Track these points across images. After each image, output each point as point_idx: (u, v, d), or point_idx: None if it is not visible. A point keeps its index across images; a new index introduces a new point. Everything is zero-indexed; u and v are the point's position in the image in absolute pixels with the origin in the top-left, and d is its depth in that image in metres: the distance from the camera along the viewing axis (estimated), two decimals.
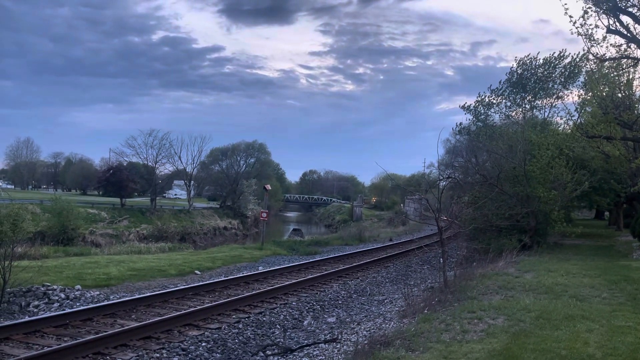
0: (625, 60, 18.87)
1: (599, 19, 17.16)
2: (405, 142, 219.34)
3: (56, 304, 12.85)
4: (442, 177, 26.99)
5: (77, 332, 10.40)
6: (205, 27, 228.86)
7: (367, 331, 11.18)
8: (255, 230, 61.79)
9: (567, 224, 23.67)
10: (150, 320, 10.97)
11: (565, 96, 34.32)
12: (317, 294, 15.91)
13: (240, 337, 10.97)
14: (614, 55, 18.41)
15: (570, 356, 6.92)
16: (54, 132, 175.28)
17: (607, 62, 19.51)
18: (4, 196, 38.00)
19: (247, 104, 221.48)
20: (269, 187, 36.24)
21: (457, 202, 21.92)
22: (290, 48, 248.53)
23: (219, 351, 10.04)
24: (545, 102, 35.19)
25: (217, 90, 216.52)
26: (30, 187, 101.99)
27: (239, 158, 73.34)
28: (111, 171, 55.45)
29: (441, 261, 14.40)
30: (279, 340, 10.88)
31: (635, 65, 19.45)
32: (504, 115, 35.59)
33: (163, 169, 62.63)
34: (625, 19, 17.27)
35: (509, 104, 35.20)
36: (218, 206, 67.11)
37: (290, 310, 13.60)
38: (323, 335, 11.51)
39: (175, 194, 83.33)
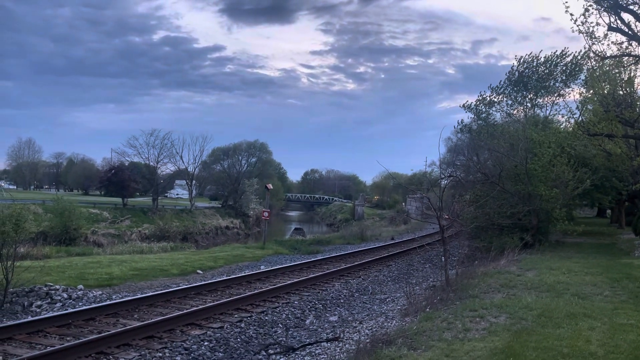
0: (626, 57, 18.84)
1: (600, 16, 17.16)
2: (406, 140, 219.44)
3: (59, 304, 12.88)
4: (443, 176, 26.98)
5: (79, 332, 10.42)
6: (206, 27, 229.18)
7: (369, 330, 11.19)
8: (257, 230, 61.80)
9: (569, 222, 23.65)
10: (153, 320, 10.99)
11: (567, 94, 34.34)
12: (319, 292, 15.93)
13: (243, 336, 10.99)
14: (615, 53, 18.39)
15: (572, 354, 6.92)
16: (56, 132, 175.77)
17: (608, 60, 19.49)
18: (6, 196, 38.11)
19: (248, 104, 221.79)
20: (270, 186, 36.23)
21: (458, 201, 21.93)
22: (291, 47, 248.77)
23: (221, 350, 10.06)
24: (546, 100, 35.19)
25: (218, 89, 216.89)
26: (32, 187, 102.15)
27: (240, 157, 73.40)
28: (113, 171, 55.51)
29: (443, 260, 14.40)
30: (281, 339, 10.90)
31: (636, 63, 19.42)
32: (505, 114, 35.60)
33: (165, 169, 62.78)
34: (626, 16, 17.25)
35: (510, 102, 35.20)
36: (220, 206, 67.15)
37: (293, 309, 13.62)
38: (325, 334, 11.52)
39: (177, 194, 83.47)
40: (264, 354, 10.03)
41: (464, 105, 35.86)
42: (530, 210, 22.19)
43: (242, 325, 11.72)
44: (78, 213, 38.14)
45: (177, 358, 9.37)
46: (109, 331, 10.14)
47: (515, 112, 35.59)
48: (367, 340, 9.15)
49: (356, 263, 22.08)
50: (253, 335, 11.21)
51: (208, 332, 10.88)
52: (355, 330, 11.47)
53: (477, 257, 20.10)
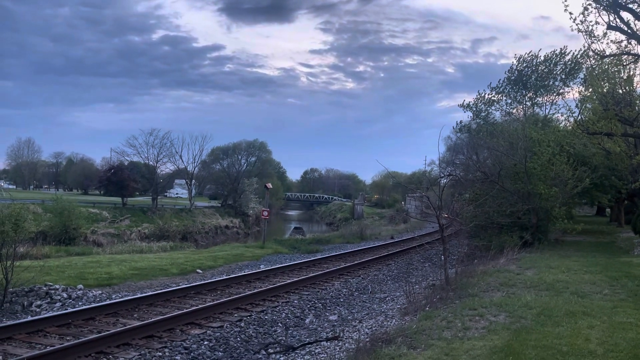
0: (625, 56, 18.87)
1: (599, 15, 17.20)
2: (406, 139, 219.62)
3: (58, 304, 12.88)
4: (443, 175, 26.98)
5: (79, 332, 10.42)
6: (205, 26, 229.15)
7: (368, 329, 11.20)
8: (256, 229, 61.80)
9: (568, 220, 23.68)
10: (153, 319, 10.99)
11: (566, 93, 34.34)
12: (318, 292, 15.93)
13: (242, 336, 10.99)
14: (614, 52, 18.43)
15: (571, 352, 6.92)
16: (55, 132, 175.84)
17: (607, 59, 19.51)
18: (6, 196, 38.05)
19: (247, 103, 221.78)
20: (270, 185, 36.24)
21: (458, 200, 21.94)
22: (290, 46, 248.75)
23: (221, 350, 10.06)
24: (545, 99, 35.20)
25: (217, 89, 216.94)
26: (31, 187, 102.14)
27: (240, 157, 73.38)
28: (112, 171, 55.45)
29: (442, 258, 14.42)
30: (281, 338, 10.90)
31: (635, 62, 19.45)
32: (504, 113, 35.62)
33: (164, 168, 62.71)
34: (625, 15, 17.27)
35: (509, 101, 35.22)
36: (219, 205, 67.14)
37: (292, 309, 13.62)
38: (325, 333, 11.53)
39: (177, 193, 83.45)
40: (264, 353, 10.03)
41: (462, 105, 35.89)
42: (529, 208, 22.21)
43: (242, 324, 11.73)
44: (77, 213, 38.09)
45: (176, 357, 9.37)
46: (108, 331, 10.14)
47: (514, 111, 35.63)
48: (367, 339, 9.15)
49: (356, 262, 22.09)
50: (253, 334, 11.22)
51: (208, 332, 10.89)
52: (354, 330, 11.48)
53: (476, 255, 20.12)
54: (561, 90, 34.42)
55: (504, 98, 35.04)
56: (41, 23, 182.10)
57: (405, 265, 23.06)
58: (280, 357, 9.84)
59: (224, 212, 63.58)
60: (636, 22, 17.23)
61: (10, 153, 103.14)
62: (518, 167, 23.06)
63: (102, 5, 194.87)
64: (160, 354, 9.40)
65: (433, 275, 19.20)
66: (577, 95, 31.29)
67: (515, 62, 34.43)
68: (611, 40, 18.15)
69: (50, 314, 11.55)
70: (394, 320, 11.38)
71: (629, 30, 17.34)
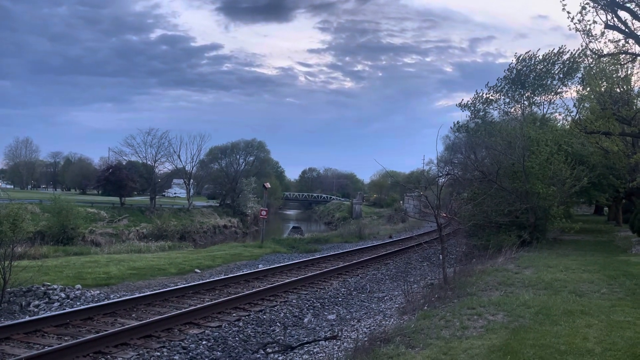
0: (623, 55, 18.88)
1: (597, 14, 17.18)
2: (404, 139, 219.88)
3: (56, 304, 12.87)
4: (441, 174, 27.01)
5: (77, 332, 10.41)
6: (203, 25, 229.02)
7: (367, 328, 11.21)
8: (255, 229, 61.78)
9: (566, 219, 23.72)
10: (151, 319, 10.98)
11: (564, 92, 34.38)
12: (317, 291, 15.94)
13: (241, 335, 10.99)
14: (612, 51, 18.43)
15: (569, 351, 6.93)
16: (53, 131, 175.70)
17: (605, 58, 19.53)
18: (3, 196, 37.92)
19: (245, 102, 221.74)
20: (268, 185, 36.23)
21: (456, 199, 21.99)
22: (288, 45, 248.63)
23: (219, 349, 10.06)
24: (543, 98, 35.22)
25: (215, 88, 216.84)
26: (29, 186, 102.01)
27: (238, 156, 73.36)
28: (110, 170, 55.41)
29: (440, 258, 14.43)
30: (279, 337, 10.90)
31: (633, 61, 19.48)
32: (502, 112, 35.66)
33: (162, 168, 62.70)
34: (623, 14, 17.28)
35: (507, 100, 35.24)
36: (218, 205, 67.11)
37: (291, 308, 13.62)
38: (323, 333, 11.53)
39: (175, 193, 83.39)
40: (262, 352, 10.03)
41: (460, 104, 35.91)
42: (527, 208, 22.23)
43: (240, 324, 11.72)
44: (75, 212, 38.05)
45: (175, 357, 9.37)
46: (106, 331, 10.13)
47: (512, 110, 35.66)
48: (365, 339, 9.16)
49: (354, 261, 22.10)
50: (251, 334, 11.21)
51: (206, 331, 10.88)
52: (353, 329, 11.48)
53: (474, 255, 20.13)
54: (559, 90, 34.47)
55: (502, 97, 35.08)
56: (39, 22, 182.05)
57: (404, 264, 23.08)
58: (278, 356, 9.84)
59: (222, 211, 63.55)
60: (634, 21, 17.24)
61: (8, 153, 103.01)
62: (516, 166, 23.08)
63: (99, 4, 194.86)
64: (158, 353, 9.39)
65: (431, 274, 19.23)
66: (575, 94, 31.40)
67: (514, 61, 34.48)
68: (609, 40, 18.17)
69: (49, 314, 11.53)
70: (393, 319, 11.38)
71: (626, 30, 17.35)
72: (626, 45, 18.06)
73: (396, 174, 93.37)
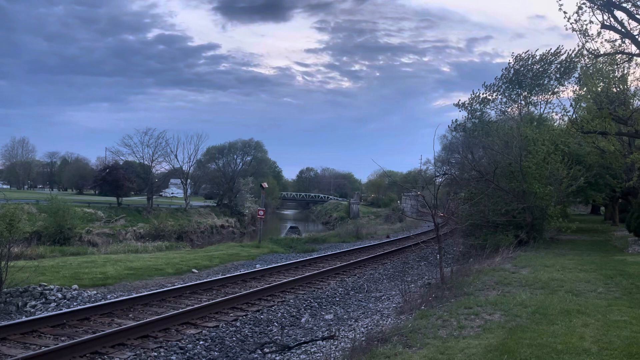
0: (619, 55, 18.93)
1: (594, 14, 17.23)
2: (402, 138, 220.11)
3: (53, 304, 12.83)
4: (438, 174, 27.06)
5: (74, 332, 10.38)
6: (200, 25, 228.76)
7: (364, 328, 11.21)
8: (252, 228, 61.76)
9: (563, 219, 23.77)
10: (148, 319, 10.95)
11: (561, 92, 34.50)
12: (314, 291, 15.93)
13: (238, 335, 10.98)
14: (608, 51, 18.47)
15: (566, 351, 6.95)
16: (49, 131, 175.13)
17: (601, 58, 19.58)
18: (0, 196, 37.86)
19: (243, 102, 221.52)
20: (265, 185, 36.19)
21: (453, 199, 22.01)
22: (286, 45, 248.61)
23: (216, 349, 10.05)
24: (540, 98, 35.34)
25: (212, 88, 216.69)
26: (26, 187, 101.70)
27: (235, 156, 73.36)
28: (107, 170, 55.31)
29: (438, 257, 14.45)
30: (276, 337, 10.89)
31: (629, 61, 19.53)
32: (499, 111, 35.75)
33: (159, 168, 62.68)
34: (619, 14, 17.33)
35: (504, 100, 35.34)
36: (215, 204, 67.05)
37: (288, 308, 13.61)
38: (320, 332, 11.53)
39: (172, 193, 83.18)
40: (260, 352, 10.03)
41: (457, 104, 35.98)
42: (524, 207, 22.28)
43: (238, 324, 11.71)
44: (72, 212, 38.00)
45: (172, 357, 9.35)
46: (103, 331, 10.10)
47: (509, 109, 35.76)
48: (363, 338, 9.16)
49: (352, 261, 22.10)
50: (248, 334, 11.20)
51: (203, 331, 10.87)
52: (350, 329, 11.48)
53: (471, 254, 20.17)
54: (556, 89, 34.61)
55: (499, 97, 35.18)
56: (35, 22, 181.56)
57: (401, 264, 23.09)
58: (276, 356, 9.84)
59: (220, 211, 63.50)
60: (630, 21, 17.29)
61: (4, 153, 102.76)
62: (513, 166, 23.14)
63: (96, 4, 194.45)
64: (155, 354, 9.37)
65: (429, 274, 19.24)
66: (571, 94, 31.48)
67: (511, 60, 34.58)
68: (605, 40, 18.20)
69: (45, 314, 11.50)
70: (390, 319, 11.39)
71: (622, 30, 17.40)
72: (622, 45, 18.11)
73: (394, 174, 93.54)
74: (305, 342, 10.48)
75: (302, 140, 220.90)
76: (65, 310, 11.68)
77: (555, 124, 34.08)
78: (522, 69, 34.22)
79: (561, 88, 34.50)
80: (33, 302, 12.84)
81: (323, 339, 10.66)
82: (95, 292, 14.30)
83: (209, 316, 12.03)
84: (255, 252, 25.96)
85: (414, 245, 24.53)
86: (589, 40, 17.97)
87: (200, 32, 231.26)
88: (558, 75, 33.96)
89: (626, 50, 18.38)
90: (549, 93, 34.85)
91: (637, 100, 23.70)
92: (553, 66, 33.93)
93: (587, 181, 25.84)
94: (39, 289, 13.51)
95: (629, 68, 21.16)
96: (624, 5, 17.11)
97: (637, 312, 9.13)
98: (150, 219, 48.24)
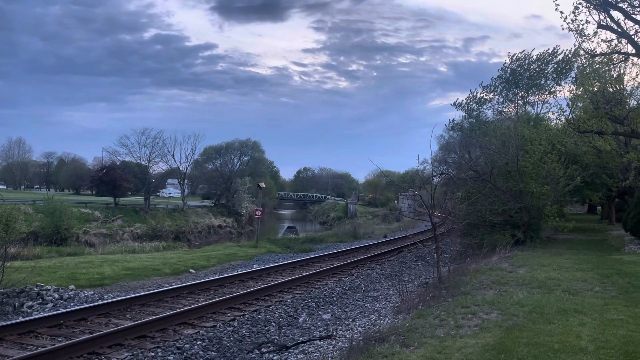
0: (616, 55, 18.99)
1: (590, 14, 17.29)
2: (399, 138, 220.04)
3: (50, 304, 12.80)
4: (435, 174, 27.09)
5: (71, 332, 10.36)
6: (197, 25, 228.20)
7: (361, 327, 11.22)
8: (249, 228, 61.73)
9: (560, 218, 23.85)
10: (145, 320, 10.94)
11: (558, 92, 34.56)
12: (312, 291, 15.93)
13: (236, 335, 10.97)
14: (604, 51, 18.53)
15: (563, 349, 6.97)
16: (46, 131, 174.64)
17: (598, 57, 19.63)
18: None
19: (240, 102, 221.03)
20: (263, 185, 36.18)
21: (450, 198, 22.02)
22: (283, 45, 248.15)
23: (214, 349, 10.04)
24: (537, 97, 35.39)
25: (210, 88, 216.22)
26: (22, 187, 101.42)
27: (232, 156, 73.43)
28: (104, 170, 55.16)
29: (435, 257, 14.47)
30: (274, 337, 10.90)
31: (625, 60, 19.59)
32: (496, 111, 35.81)
33: (156, 168, 62.54)
34: (615, 14, 17.39)
35: (501, 99, 35.39)
36: (212, 205, 66.97)
37: (285, 308, 13.62)
38: (318, 332, 11.54)
39: (169, 193, 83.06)
40: (257, 352, 10.03)
41: (455, 104, 36.03)
42: (521, 207, 22.33)
43: (235, 324, 11.71)
44: (69, 213, 37.90)
45: (169, 357, 9.34)
46: (100, 331, 10.09)
47: (506, 109, 35.81)
48: (360, 338, 9.17)
49: (349, 261, 22.12)
50: (246, 334, 11.20)
51: (201, 331, 10.86)
52: (348, 328, 11.49)
53: (469, 254, 20.21)
54: (553, 89, 34.64)
55: (496, 97, 35.23)
56: (32, 21, 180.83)
57: (399, 263, 23.12)
58: (273, 356, 9.84)
59: (217, 211, 63.43)
60: (626, 20, 17.35)
61: (1, 153, 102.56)
62: (510, 165, 23.18)
63: (93, 3, 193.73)
64: (152, 354, 9.37)
65: (426, 273, 19.27)
66: (568, 94, 31.57)
67: (508, 60, 34.62)
68: (601, 39, 18.27)
69: (42, 314, 11.48)
70: (387, 318, 11.40)
71: (619, 29, 17.45)
72: (619, 45, 18.17)
73: (391, 174, 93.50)
74: (302, 342, 10.48)
75: (299, 140, 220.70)
76: (62, 310, 11.66)
77: (552, 123, 34.16)
78: (519, 68, 34.27)
79: (558, 88, 34.58)
80: (30, 303, 12.81)
81: (320, 338, 10.67)
82: (92, 292, 14.27)
83: (206, 316, 12.03)
84: (253, 252, 25.95)
85: (411, 244, 24.55)
86: (586, 40, 18.04)
87: (197, 32, 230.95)
88: (555, 75, 34.03)
89: (622, 50, 18.44)
90: (546, 93, 34.92)
91: (633, 100, 23.80)
92: (550, 66, 34.00)
93: (584, 181, 25.91)
94: (36, 289, 13.48)
95: (625, 68, 21.24)
96: (620, 5, 17.17)
97: (634, 311, 9.16)
98: (148, 219, 48.15)
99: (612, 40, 18.05)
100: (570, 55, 32.38)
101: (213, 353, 9.86)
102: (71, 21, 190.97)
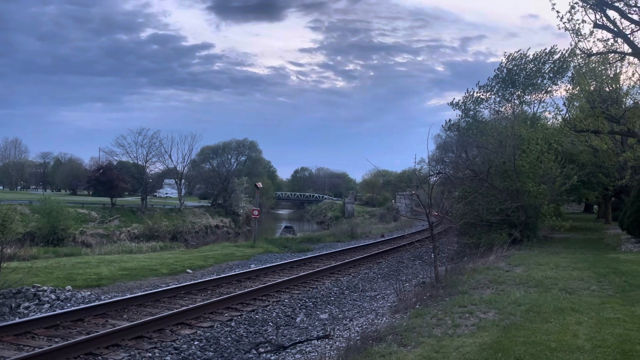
0: (612, 54, 19.04)
1: (586, 14, 17.33)
2: (396, 138, 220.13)
3: (47, 305, 12.77)
4: (432, 173, 27.11)
5: (68, 333, 10.34)
6: (194, 25, 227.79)
7: (359, 327, 11.22)
8: (247, 228, 61.64)
9: (557, 217, 23.90)
10: (142, 320, 10.92)
11: (554, 91, 34.68)
12: (309, 290, 15.93)
13: (233, 335, 10.96)
14: (601, 50, 18.57)
15: (559, 348, 6.98)
16: (42, 131, 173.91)
17: (594, 57, 19.69)
18: None
19: (237, 102, 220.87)
20: (260, 184, 36.16)
21: (447, 198, 22.08)
22: (280, 45, 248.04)
23: (211, 350, 10.03)
24: (534, 97, 35.51)
25: (207, 88, 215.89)
26: (18, 187, 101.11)
27: (230, 156, 73.32)
28: (101, 171, 55.06)
29: (432, 256, 14.49)
30: (271, 337, 10.89)
31: (622, 60, 19.63)
32: (493, 111, 35.89)
33: (153, 168, 62.48)
34: (611, 13, 17.44)
35: (498, 99, 35.48)
36: (209, 205, 66.92)
37: (283, 308, 13.61)
38: (315, 332, 11.53)
39: (166, 193, 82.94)
40: (255, 352, 10.02)
41: (452, 103, 36.11)
42: (518, 206, 22.38)
43: (233, 324, 11.70)
44: (66, 213, 37.80)
45: (167, 358, 9.33)
46: (98, 332, 10.07)
47: (503, 109, 35.90)
48: (358, 338, 9.17)
49: (346, 261, 22.12)
50: (243, 334, 11.19)
51: (198, 332, 10.85)
52: (345, 328, 11.49)
53: (466, 253, 20.22)
54: (549, 89, 34.77)
55: (493, 96, 35.32)
56: (27, 21, 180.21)
57: (396, 263, 23.14)
58: (271, 356, 9.83)
59: (214, 211, 63.37)
60: (622, 20, 17.40)
61: None
62: (507, 164, 23.23)
63: (89, 3, 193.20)
64: (150, 354, 9.35)
65: (423, 273, 19.30)
66: (564, 93, 31.65)
67: (504, 60, 34.71)
68: (598, 39, 18.31)
69: (39, 315, 11.44)
70: (385, 318, 11.40)
71: (615, 29, 17.50)
72: (615, 44, 18.21)
73: (388, 173, 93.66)
74: (300, 342, 10.48)
75: (296, 140, 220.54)
76: (59, 311, 11.63)
77: (548, 123, 34.26)
78: (515, 68, 34.38)
79: (554, 87, 34.72)
80: (26, 304, 12.78)
81: (318, 338, 10.67)
82: (89, 293, 14.24)
83: (203, 316, 12.01)
84: (250, 252, 25.93)
85: (408, 244, 24.60)
86: (582, 40, 18.09)
87: (194, 32, 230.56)
88: (551, 75, 34.14)
89: (618, 50, 18.49)
90: (543, 92, 35.04)
91: (629, 99, 23.86)
92: (547, 65, 34.11)
93: (580, 180, 25.99)
94: (33, 290, 13.44)
95: (621, 67, 21.32)
96: (616, 4, 17.22)
97: (630, 309, 9.19)
98: (145, 219, 48.07)
99: (609, 39, 18.11)
100: (566, 55, 32.50)
101: (210, 353, 9.85)
102: (67, 21, 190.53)
